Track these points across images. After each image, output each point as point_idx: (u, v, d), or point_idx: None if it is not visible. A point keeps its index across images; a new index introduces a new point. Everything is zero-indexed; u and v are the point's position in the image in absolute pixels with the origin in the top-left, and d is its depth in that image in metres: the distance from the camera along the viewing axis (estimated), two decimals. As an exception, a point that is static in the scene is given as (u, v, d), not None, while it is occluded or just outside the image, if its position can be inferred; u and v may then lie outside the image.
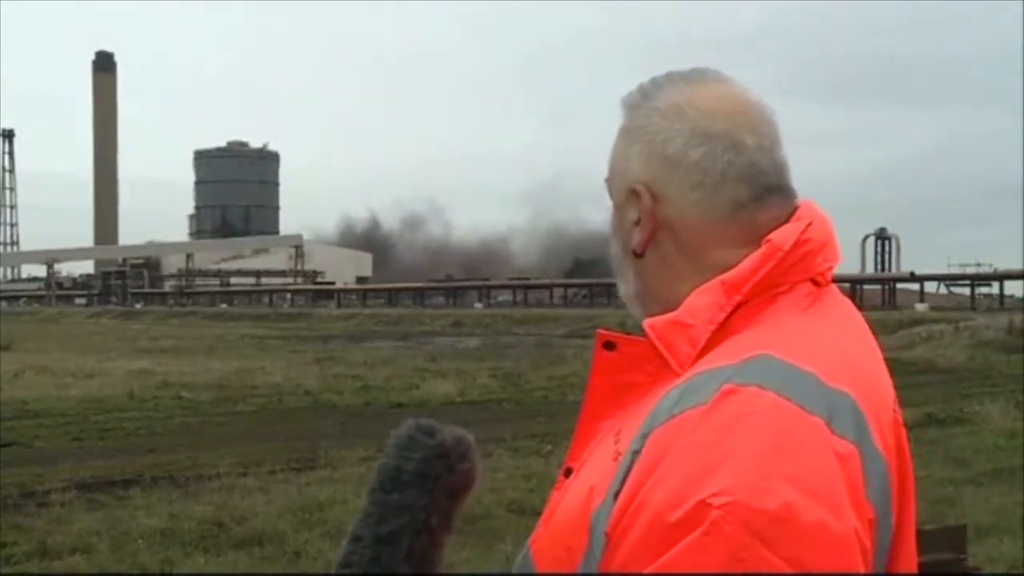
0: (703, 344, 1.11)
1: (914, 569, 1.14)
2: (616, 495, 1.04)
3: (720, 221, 1.18)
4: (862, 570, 0.99)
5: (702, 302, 1.14)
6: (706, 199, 1.18)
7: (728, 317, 1.13)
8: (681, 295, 1.16)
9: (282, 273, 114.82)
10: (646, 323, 1.16)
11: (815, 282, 1.17)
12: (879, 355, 1.19)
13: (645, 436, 1.05)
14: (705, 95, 1.21)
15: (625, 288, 1.26)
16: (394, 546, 1.07)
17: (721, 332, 1.12)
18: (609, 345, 1.19)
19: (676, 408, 1.04)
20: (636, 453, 1.04)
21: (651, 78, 1.26)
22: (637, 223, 1.21)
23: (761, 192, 1.19)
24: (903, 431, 1.14)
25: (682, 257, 1.19)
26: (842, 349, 1.12)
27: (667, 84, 1.24)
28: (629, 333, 1.21)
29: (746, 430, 0.99)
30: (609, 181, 1.27)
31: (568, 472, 1.22)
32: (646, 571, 0.97)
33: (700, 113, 1.20)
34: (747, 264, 1.15)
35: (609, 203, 1.28)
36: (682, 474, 0.98)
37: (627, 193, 1.22)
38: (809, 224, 1.17)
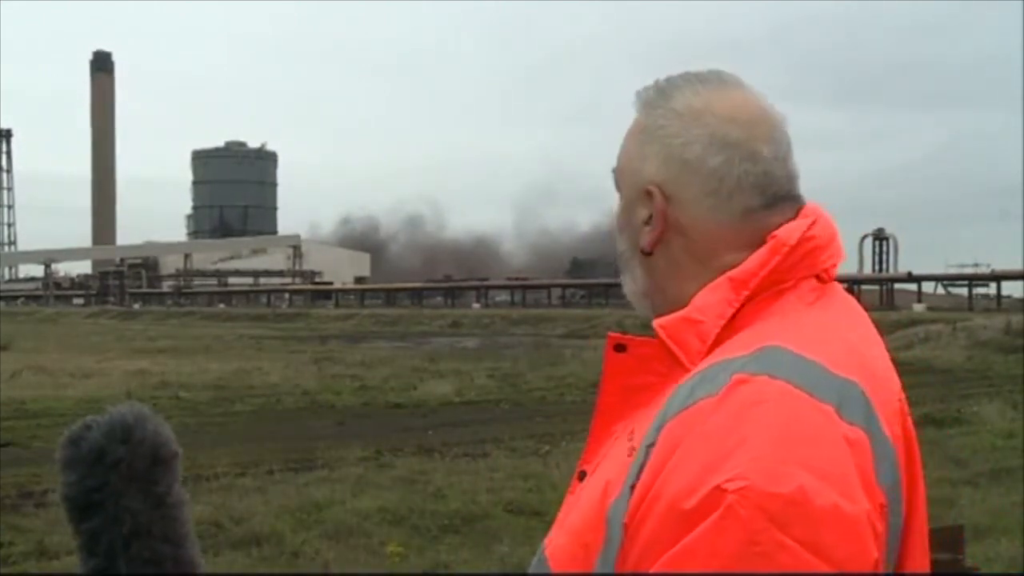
0: (713, 339, 1.13)
1: (926, 552, 1.16)
2: (632, 488, 1.05)
3: (731, 226, 1.20)
4: (874, 552, 1.00)
5: (711, 299, 1.16)
6: (719, 205, 1.20)
7: (736, 313, 1.15)
8: (689, 294, 1.18)
9: (280, 273, 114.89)
10: (656, 323, 1.18)
11: (819, 279, 1.19)
12: (883, 347, 1.21)
13: (659, 429, 1.06)
14: (724, 101, 1.22)
15: (632, 285, 1.27)
16: (112, 569, 1.07)
17: (729, 328, 1.14)
18: (619, 348, 1.21)
19: (689, 400, 1.05)
20: (650, 447, 1.06)
21: (667, 77, 1.26)
22: (647, 222, 1.22)
23: (772, 200, 1.20)
24: (909, 419, 1.16)
25: (691, 258, 1.21)
26: (848, 340, 1.14)
27: (685, 85, 1.24)
28: (639, 335, 1.22)
29: (758, 417, 1.01)
30: (618, 173, 1.28)
31: (582, 475, 1.23)
32: (662, 558, 0.98)
33: (719, 119, 1.21)
34: (753, 260, 1.17)
35: (616, 196, 1.28)
36: (696, 462, 1.00)
37: (639, 192, 1.23)
38: (813, 222, 1.19)
